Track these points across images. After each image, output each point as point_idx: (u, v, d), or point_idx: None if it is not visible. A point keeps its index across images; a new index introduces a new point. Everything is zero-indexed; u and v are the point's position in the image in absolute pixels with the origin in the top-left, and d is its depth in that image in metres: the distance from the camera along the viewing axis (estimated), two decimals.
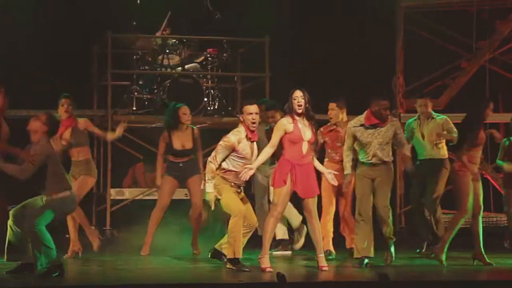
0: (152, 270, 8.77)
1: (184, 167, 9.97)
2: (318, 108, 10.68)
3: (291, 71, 12.58)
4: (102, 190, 12.09)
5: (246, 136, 8.44)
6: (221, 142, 8.46)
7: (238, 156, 8.44)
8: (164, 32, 12.17)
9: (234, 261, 8.38)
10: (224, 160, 8.43)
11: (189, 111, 10.13)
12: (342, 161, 9.29)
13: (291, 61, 12.84)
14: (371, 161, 8.97)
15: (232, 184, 8.49)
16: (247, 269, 8.34)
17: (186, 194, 10.66)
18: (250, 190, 10.55)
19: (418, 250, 9.98)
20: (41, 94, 11.77)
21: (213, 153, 8.46)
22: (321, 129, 9.85)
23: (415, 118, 10.04)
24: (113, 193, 11.46)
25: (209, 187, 8.39)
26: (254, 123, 8.44)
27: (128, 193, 11.48)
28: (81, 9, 12.41)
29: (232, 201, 8.44)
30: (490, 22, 12.95)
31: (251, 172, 8.31)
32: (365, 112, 9.07)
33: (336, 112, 9.87)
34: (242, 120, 8.50)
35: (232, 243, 8.37)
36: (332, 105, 9.91)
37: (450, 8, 13.14)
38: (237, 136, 8.42)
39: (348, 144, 9.11)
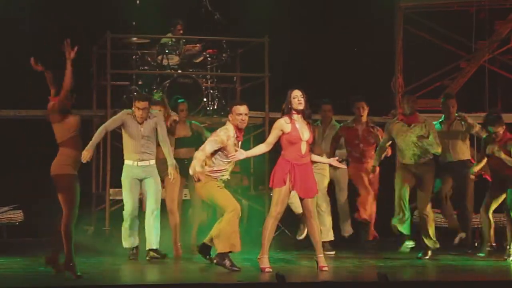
0: (152, 270, 8.77)
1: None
2: (316, 108, 10.74)
3: (290, 71, 12.58)
4: (102, 190, 12.09)
5: (235, 134, 8.51)
6: (210, 138, 8.56)
7: (223, 155, 8.49)
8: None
9: (225, 255, 8.40)
10: (211, 158, 8.52)
11: (186, 107, 10.33)
12: (362, 158, 10.24)
13: (291, 61, 12.84)
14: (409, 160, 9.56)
15: (218, 180, 8.56)
16: (236, 268, 8.36)
17: (185, 194, 10.66)
18: None
19: (419, 254, 10.01)
20: (41, 94, 11.77)
21: (201, 147, 8.54)
22: (342, 125, 10.54)
23: (441, 120, 10.23)
24: (112, 193, 11.43)
25: (197, 165, 8.41)
26: (242, 123, 8.52)
27: None
28: (80, 10, 12.40)
29: (227, 197, 8.52)
30: (489, 22, 12.96)
31: (242, 156, 8.38)
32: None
33: (365, 111, 10.34)
34: (230, 119, 8.57)
35: (227, 238, 8.39)
36: (362, 104, 10.38)
37: (449, 8, 13.14)
38: (226, 134, 8.49)
39: (383, 140, 9.78)
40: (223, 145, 8.46)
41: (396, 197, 9.54)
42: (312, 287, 7.80)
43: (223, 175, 8.63)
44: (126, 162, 9.51)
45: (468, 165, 10.16)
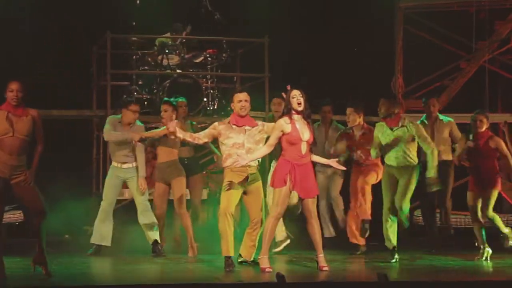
0: (152, 270, 8.77)
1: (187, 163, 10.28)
2: (317, 108, 10.74)
3: (290, 71, 12.58)
4: (102, 190, 12.07)
5: (229, 122, 8.62)
6: None
7: (224, 139, 8.60)
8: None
9: (226, 257, 8.48)
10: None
11: (184, 103, 10.39)
12: (361, 163, 9.88)
13: (291, 61, 12.84)
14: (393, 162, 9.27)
15: (235, 170, 8.54)
16: (227, 269, 8.40)
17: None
18: None
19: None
20: (40, 94, 11.78)
21: None
22: (341, 131, 10.34)
23: (422, 119, 10.19)
24: None
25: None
26: (243, 109, 8.62)
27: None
28: (80, 10, 12.41)
29: (224, 198, 8.56)
30: (489, 22, 12.97)
31: (243, 162, 8.37)
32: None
33: (353, 117, 10.07)
34: (232, 108, 8.74)
35: (222, 242, 8.52)
36: (349, 110, 10.11)
37: (449, 8, 13.15)
38: (220, 120, 8.82)
39: (374, 145, 9.41)
40: (215, 130, 8.64)
41: (385, 205, 9.34)
42: (312, 287, 7.81)
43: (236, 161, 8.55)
44: (113, 164, 9.99)
45: (450, 165, 10.16)
